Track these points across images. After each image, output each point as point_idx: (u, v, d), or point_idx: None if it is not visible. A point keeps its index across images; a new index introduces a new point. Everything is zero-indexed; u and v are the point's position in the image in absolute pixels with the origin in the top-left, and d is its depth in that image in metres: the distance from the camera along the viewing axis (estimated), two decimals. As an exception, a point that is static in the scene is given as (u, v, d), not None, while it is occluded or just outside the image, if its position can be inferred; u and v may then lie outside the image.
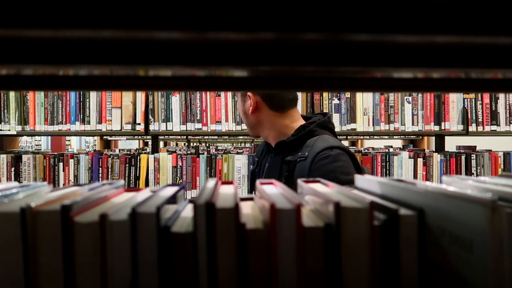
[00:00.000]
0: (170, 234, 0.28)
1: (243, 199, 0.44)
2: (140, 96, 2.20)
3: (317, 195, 0.34)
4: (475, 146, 2.56)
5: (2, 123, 2.20)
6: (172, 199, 0.35)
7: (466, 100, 2.28)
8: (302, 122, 1.12)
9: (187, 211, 0.36)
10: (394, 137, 3.82)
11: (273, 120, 1.12)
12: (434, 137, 2.46)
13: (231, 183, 0.43)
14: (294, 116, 1.13)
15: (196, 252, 0.28)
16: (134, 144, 6.50)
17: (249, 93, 1.11)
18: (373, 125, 2.24)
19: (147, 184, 2.15)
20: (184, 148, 4.27)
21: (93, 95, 2.20)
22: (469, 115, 2.27)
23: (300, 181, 0.44)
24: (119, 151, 2.82)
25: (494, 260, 0.23)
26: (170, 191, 0.38)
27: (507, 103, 2.30)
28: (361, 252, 0.28)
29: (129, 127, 2.19)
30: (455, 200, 0.26)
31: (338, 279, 0.28)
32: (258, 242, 0.29)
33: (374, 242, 0.28)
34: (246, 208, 0.39)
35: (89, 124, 2.19)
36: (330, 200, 0.29)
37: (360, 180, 0.44)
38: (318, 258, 0.28)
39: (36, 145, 7.68)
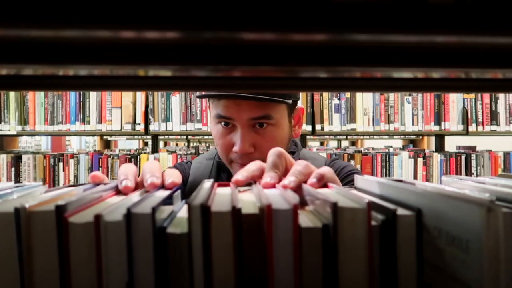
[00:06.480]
0: (165, 235, 0.28)
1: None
2: (140, 96, 2.20)
3: (316, 195, 0.33)
4: (475, 146, 2.56)
5: (2, 123, 2.20)
6: (168, 200, 0.35)
7: (466, 100, 2.28)
8: None
9: (184, 212, 0.36)
10: (394, 137, 3.82)
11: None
12: (434, 137, 2.46)
13: (227, 184, 0.43)
14: None
15: (191, 253, 0.28)
16: (134, 144, 6.51)
17: (301, 106, 0.86)
18: (373, 125, 2.24)
19: (147, 184, 2.14)
20: (184, 148, 4.28)
21: (93, 95, 2.20)
22: (469, 115, 2.27)
23: None
24: (119, 151, 2.82)
25: (489, 260, 0.23)
26: (167, 191, 0.38)
27: (507, 103, 2.30)
28: (359, 253, 0.28)
29: (129, 127, 2.19)
30: (451, 201, 0.26)
31: (335, 280, 0.28)
32: (255, 241, 0.29)
33: (372, 242, 0.28)
34: (246, 196, 0.39)
35: (89, 124, 2.19)
36: (328, 201, 0.28)
37: (360, 180, 0.44)
38: (316, 258, 0.28)
39: (36, 145, 7.68)
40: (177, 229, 0.29)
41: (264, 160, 0.74)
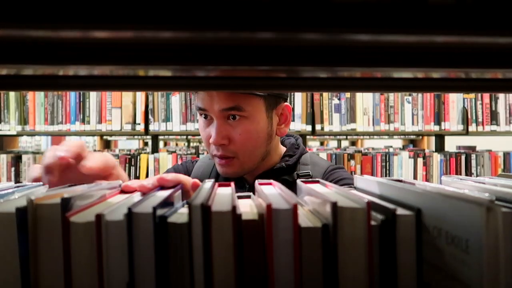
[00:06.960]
0: (166, 225, 0.28)
1: (240, 197, 0.44)
2: (140, 96, 2.20)
3: (315, 195, 0.34)
4: (475, 146, 2.56)
5: (2, 123, 2.20)
6: (169, 200, 0.35)
7: (466, 100, 2.28)
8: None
9: (184, 210, 0.36)
10: (394, 137, 3.82)
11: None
12: (434, 137, 2.46)
13: (228, 185, 0.43)
14: None
15: (191, 252, 0.28)
16: (134, 144, 6.50)
17: (286, 103, 0.86)
18: (373, 125, 2.24)
19: (147, 184, 2.14)
20: (184, 148, 4.27)
21: (93, 95, 2.20)
22: (469, 115, 2.27)
23: (299, 182, 0.44)
24: (119, 151, 2.82)
25: (489, 260, 0.23)
26: (167, 191, 0.38)
27: (507, 103, 2.30)
28: (359, 252, 0.28)
29: (129, 127, 2.19)
30: (451, 200, 0.26)
31: (335, 279, 0.28)
32: (255, 242, 0.29)
33: (372, 242, 0.28)
34: (244, 207, 0.39)
35: (89, 124, 2.19)
36: (328, 200, 0.28)
37: (359, 180, 0.44)
38: (316, 258, 0.28)
39: (36, 145, 7.67)
40: (177, 220, 0.29)
41: (239, 152, 0.76)
